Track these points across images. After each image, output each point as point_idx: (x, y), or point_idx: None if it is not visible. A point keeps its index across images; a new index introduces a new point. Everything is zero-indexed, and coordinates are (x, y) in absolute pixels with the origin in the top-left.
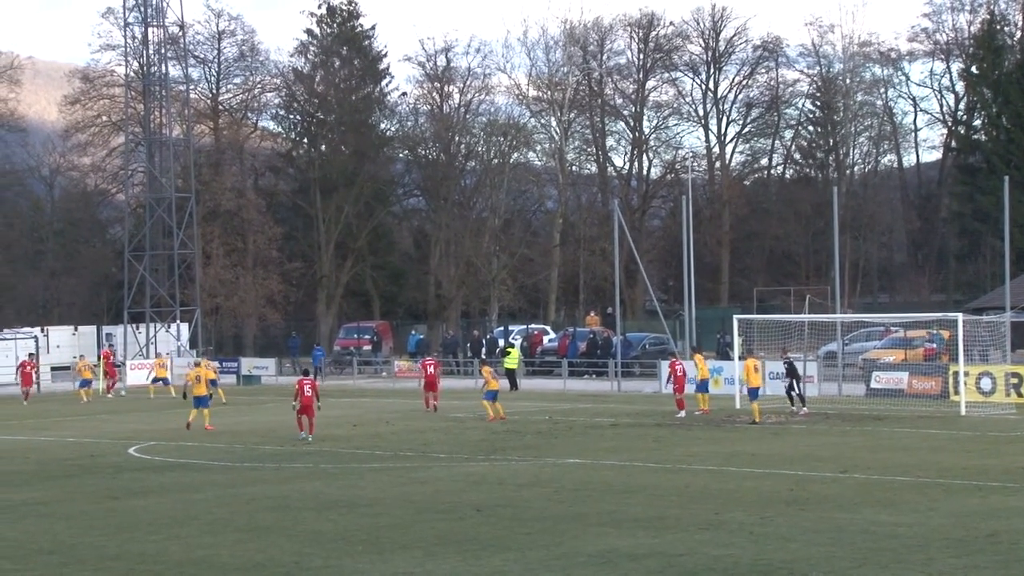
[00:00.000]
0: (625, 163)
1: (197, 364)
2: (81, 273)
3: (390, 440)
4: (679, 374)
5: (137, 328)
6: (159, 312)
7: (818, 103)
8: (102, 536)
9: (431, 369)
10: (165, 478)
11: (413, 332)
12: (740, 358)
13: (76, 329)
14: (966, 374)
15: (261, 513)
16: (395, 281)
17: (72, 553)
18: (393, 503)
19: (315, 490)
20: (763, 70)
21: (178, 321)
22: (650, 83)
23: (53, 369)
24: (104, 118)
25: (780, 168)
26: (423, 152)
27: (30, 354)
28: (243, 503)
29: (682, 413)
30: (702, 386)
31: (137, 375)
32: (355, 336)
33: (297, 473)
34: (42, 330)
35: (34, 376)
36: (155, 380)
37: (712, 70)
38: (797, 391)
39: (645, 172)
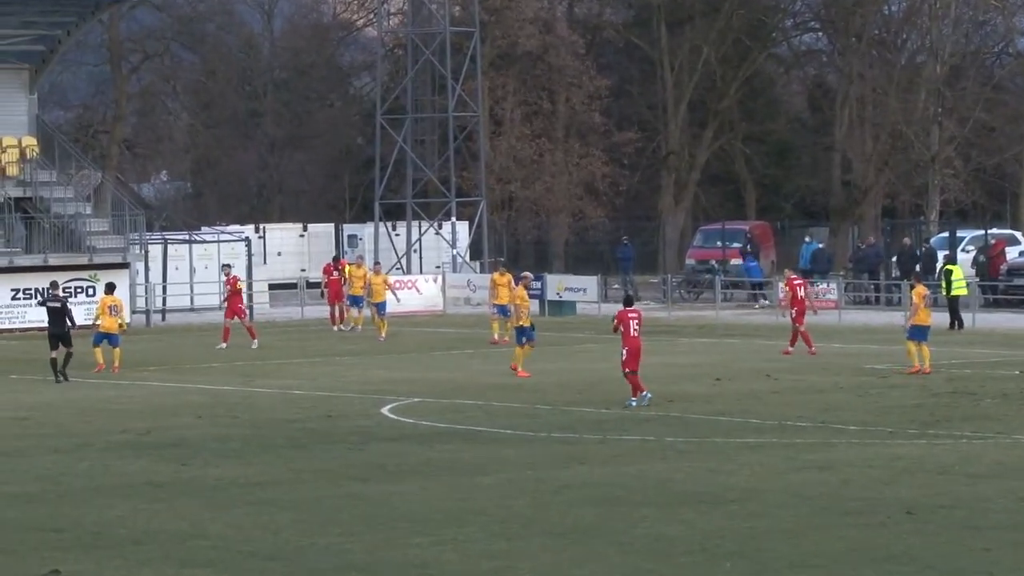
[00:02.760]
0: None
1: (526, 282)
2: (312, 146)
3: (771, 403)
4: None
5: (394, 228)
6: (426, 205)
7: None
8: (344, 535)
9: (801, 291)
10: (434, 452)
11: (807, 239)
12: None
13: (305, 228)
14: None
15: (578, 508)
16: (780, 161)
17: (301, 559)
18: (777, 498)
19: (658, 475)
20: None
21: (454, 219)
22: None
23: (272, 288)
24: None
25: None
26: None
27: (226, 265)
28: (551, 492)
29: None
30: None
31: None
32: (718, 244)
33: (631, 449)
34: (257, 229)
35: (244, 301)
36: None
37: None
38: None
39: None
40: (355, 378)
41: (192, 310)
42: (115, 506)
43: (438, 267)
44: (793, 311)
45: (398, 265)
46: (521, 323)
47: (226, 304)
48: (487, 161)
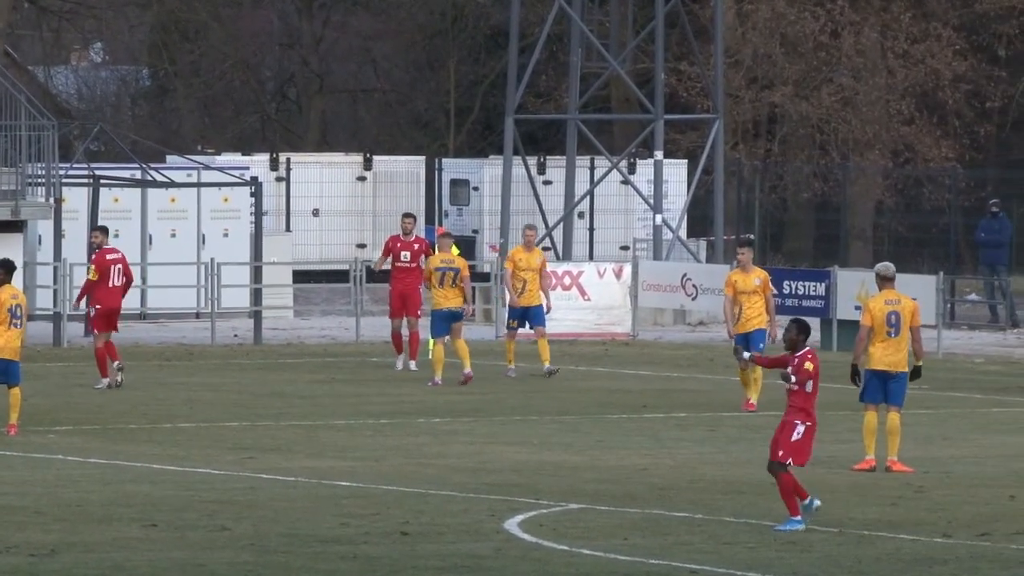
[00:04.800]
0: None
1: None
2: (386, 5)
3: None
4: None
5: (542, 170)
6: (605, 127)
7: None
8: None
9: None
10: None
11: None
12: None
13: (369, 163)
14: None
15: None
16: None
17: None
18: None
19: None
20: None
21: (659, 154)
22: None
23: (299, 278)
24: None
25: None
26: None
27: (99, 228)
28: None
29: None
30: None
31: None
32: None
33: None
34: (273, 162)
35: (119, 291)
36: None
37: None
38: None
39: None
40: (457, 460)
41: (143, 317)
42: None
43: (624, 248)
44: None
45: (546, 241)
46: (858, 363)
47: (90, 305)
48: (728, 45)
